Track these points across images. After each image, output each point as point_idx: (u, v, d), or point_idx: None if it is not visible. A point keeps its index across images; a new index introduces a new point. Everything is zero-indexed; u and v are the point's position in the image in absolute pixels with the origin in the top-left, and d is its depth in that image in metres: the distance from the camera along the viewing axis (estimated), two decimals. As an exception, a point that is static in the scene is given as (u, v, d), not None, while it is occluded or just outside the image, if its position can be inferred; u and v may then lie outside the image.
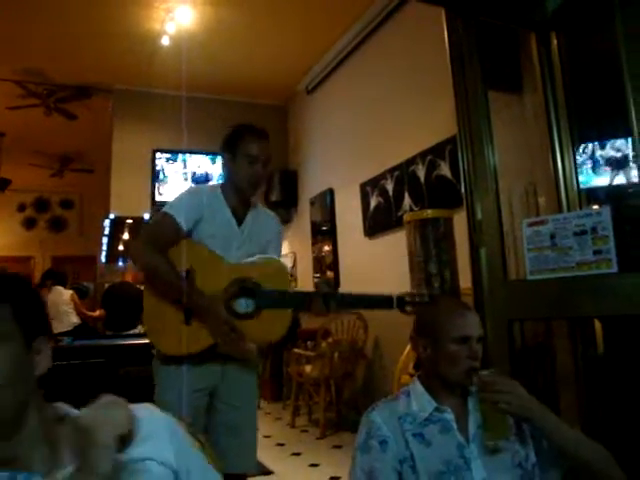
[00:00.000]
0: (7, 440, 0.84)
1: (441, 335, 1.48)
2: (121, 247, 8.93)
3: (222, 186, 2.27)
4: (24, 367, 0.87)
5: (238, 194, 2.24)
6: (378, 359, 5.17)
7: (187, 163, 6.91)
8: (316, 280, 6.47)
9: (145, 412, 0.96)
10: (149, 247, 2.07)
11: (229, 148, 2.24)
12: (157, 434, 0.94)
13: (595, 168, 2.64)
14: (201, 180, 6.90)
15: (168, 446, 0.94)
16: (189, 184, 6.79)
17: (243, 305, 2.13)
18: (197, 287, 2.06)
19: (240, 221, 2.24)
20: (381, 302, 2.25)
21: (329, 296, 2.23)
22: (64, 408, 0.95)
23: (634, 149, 1.91)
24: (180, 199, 2.20)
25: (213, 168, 7.00)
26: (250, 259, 2.19)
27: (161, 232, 2.12)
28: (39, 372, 0.89)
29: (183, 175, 6.89)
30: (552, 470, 1.43)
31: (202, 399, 2.12)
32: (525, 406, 1.37)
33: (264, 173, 2.24)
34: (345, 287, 5.47)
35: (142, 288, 2.16)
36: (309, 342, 5.57)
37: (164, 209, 2.16)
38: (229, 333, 2.04)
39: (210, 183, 6.83)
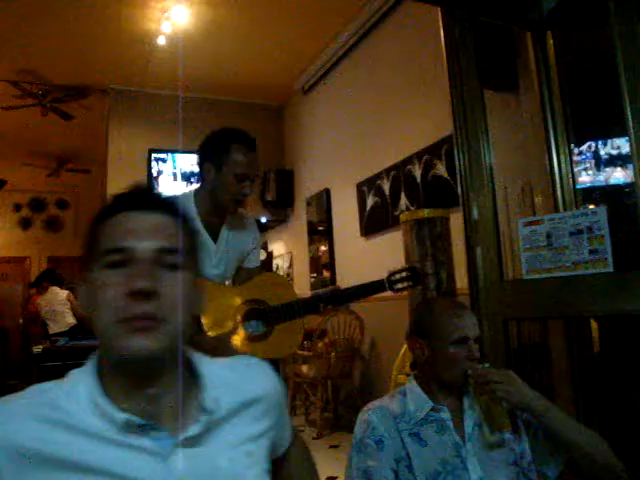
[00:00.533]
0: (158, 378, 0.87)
1: (439, 337, 1.48)
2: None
3: (195, 197, 2.07)
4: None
5: (214, 208, 2.07)
6: (375, 359, 5.17)
7: (177, 162, 6.87)
8: (313, 280, 6.47)
9: None
10: None
11: (212, 157, 2.03)
12: None
13: (592, 167, 2.65)
14: (188, 178, 6.87)
15: None
16: (179, 184, 6.78)
17: (255, 326, 2.09)
18: (205, 334, 1.96)
19: (215, 235, 2.09)
20: (376, 288, 2.23)
21: (333, 294, 2.23)
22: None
23: (630, 148, 1.91)
24: None
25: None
26: (249, 282, 2.13)
27: None
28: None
29: (172, 175, 6.85)
30: (550, 463, 1.43)
31: None
32: (522, 392, 1.39)
33: (250, 190, 2.05)
34: (342, 286, 5.46)
35: None
36: (306, 342, 5.57)
37: None
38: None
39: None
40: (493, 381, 1.39)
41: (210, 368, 0.96)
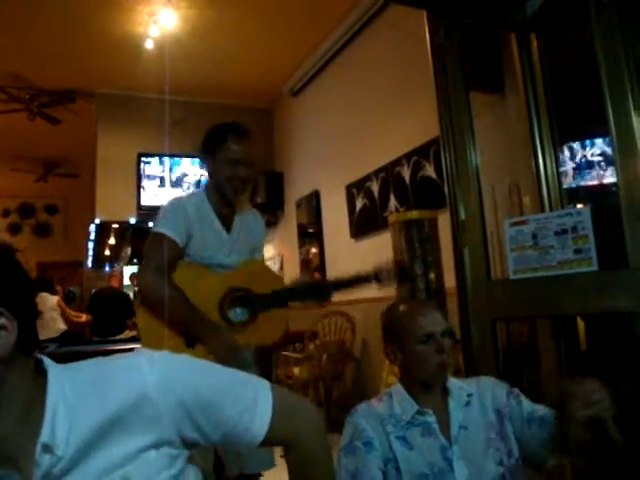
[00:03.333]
0: None
1: (406, 339, 1.49)
2: (107, 252, 8.90)
3: (206, 191, 2.18)
4: None
5: (223, 198, 2.16)
6: (366, 360, 5.18)
7: (165, 166, 6.87)
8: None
9: None
10: (159, 277, 1.97)
11: (209, 150, 2.15)
12: None
13: (577, 168, 2.67)
14: (179, 182, 6.88)
15: None
16: (166, 188, 6.79)
17: (239, 314, 2.10)
18: (211, 321, 2.00)
19: (228, 227, 2.17)
20: (362, 280, 2.24)
21: (318, 284, 2.26)
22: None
23: (612, 148, 1.94)
24: (167, 215, 2.09)
25: (192, 171, 6.96)
26: (235, 270, 2.14)
27: (163, 256, 2.00)
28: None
29: (160, 179, 6.84)
30: (542, 450, 1.43)
31: None
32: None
33: (248, 175, 2.14)
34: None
35: (140, 313, 2.07)
36: (297, 344, 5.57)
37: (155, 229, 2.06)
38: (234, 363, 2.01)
39: (187, 187, 6.87)
40: (595, 400, 1.23)
41: (64, 390, 0.87)
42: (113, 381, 0.90)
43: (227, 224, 2.17)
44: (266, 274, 2.25)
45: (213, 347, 1.99)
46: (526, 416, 1.46)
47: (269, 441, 1.00)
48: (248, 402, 0.99)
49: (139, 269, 2.10)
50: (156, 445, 0.89)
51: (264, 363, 6.34)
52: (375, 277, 2.23)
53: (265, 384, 1.04)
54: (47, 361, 0.91)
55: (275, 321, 2.14)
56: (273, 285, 2.17)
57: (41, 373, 0.89)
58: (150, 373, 0.91)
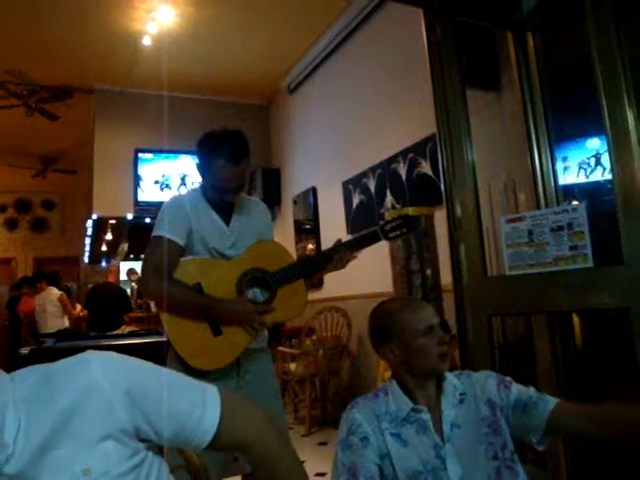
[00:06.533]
0: None
1: (408, 333, 1.50)
2: (104, 248, 8.90)
3: (202, 188, 2.19)
4: None
5: (219, 192, 2.14)
6: (362, 356, 5.20)
7: (161, 163, 6.87)
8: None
9: None
10: (159, 279, 1.98)
11: (204, 156, 2.11)
12: None
13: (572, 165, 2.69)
14: (176, 178, 6.89)
15: None
16: (163, 184, 6.81)
17: (258, 294, 2.14)
18: (214, 296, 2.04)
19: (227, 220, 2.18)
20: (371, 239, 2.28)
21: (332, 250, 2.26)
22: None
23: (607, 145, 1.95)
24: (165, 217, 2.10)
25: (189, 166, 6.94)
26: (244, 250, 2.16)
27: (163, 259, 2.02)
28: None
29: (157, 175, 6.85)
30: (533, 432, 1.46)
31: None
32: None
33: (243, 179, 2.14)
34: (328, 284, 5.47)
35: (163, 321, 2.06)
36: (293, 340, 5.59)
37: (155, 233, 2.07)
38: (263, 321, 2.03)
39: (184, 183, 6.89)
40: None
41: (13, 392, 0.90)
42: (62, 377, 0.93)
43: (226, 217, 2.18)
44: (277, 251, 2.24)
45: (232, 315, 2.02)
46: (512, 403, 1.48)
47: (221, 442, 1.03)
48: (197, 400, 1.02)
49: (142, 275, 2.09)
50: (114, 436, 0.91)
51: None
52: (382, 231, 2.26)
53: (213, 388, 1.07)
54: None
55: (295, 294, 2.16)
56: (286, 261, 2.19)
57: None
58: (98, 367, 0.94)
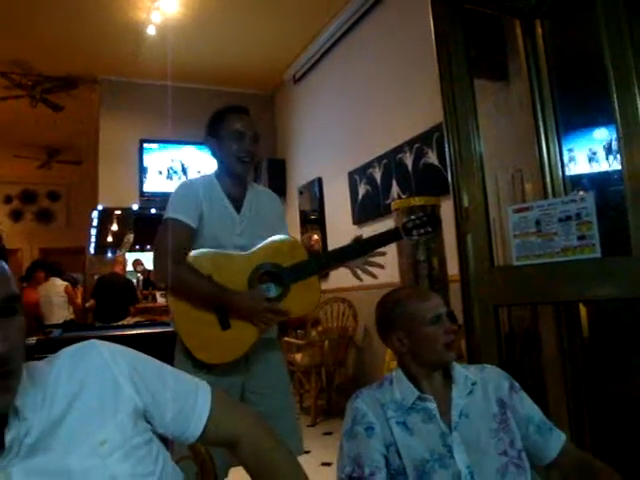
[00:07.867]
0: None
1: (416, 322, 1.50)
2: (110, 238, 8.91)
3: (216, 174, 2.20)
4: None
5: (232, 178, 2.16)
6: (368, 346, 5.20)
7: (166, 153, 6.87)
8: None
9: None
10: (173, 262, 1.97)
11: (213, 132, 2.17)
12: None
13: (579, 155, 2.67)
14: (181, 168, 6.89)
15: None
16: (169, 174, 6.82)
17: (271, 289, 2.11)
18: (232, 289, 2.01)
19: (238, 207, 2.17)
20: (391, 237, 2.26)
21: (347, 248, 2.24)
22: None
23: (617, 135, 1.93)
24: (178, 199, 2.10)
25: (194, 157, 6.97)
26: (258, 245, 2.14)
27: (177, 241, 2.01)
28: None
29: (162, 165, 6.86)
30: (544, 452, 1.48)
31: (234, 396, 2.04)
32: None
33: (253, 148, 2.15)
34: (334, 274, 5.46)
35: (171, 309, 2.05)
36: (299, 331, 5.60)
37: (168, 215, 2.06)
38: (274, 317, 2.02)
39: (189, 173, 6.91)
40: None
41: (40, 368, 0.97)
42: (74, 357, 1.00)
43: (237, 205, 2.17)
44: (291, 247, 2.20)
45: (242, 307, 1.99)
46: (525, 416, 1.49)
47: (211, 434, 1.08)
48: (191, 388, 1.10)
49: (154, 257, 2.07)
50: (126, 411, 0.97)
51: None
52: (404, 229, 2.23)
53: (205, 383, 1.14)
54: None
55: (308, 290, 2.13)
56: (301, 257, 2.16)
57: None
58: (105, 349, 1.02)
